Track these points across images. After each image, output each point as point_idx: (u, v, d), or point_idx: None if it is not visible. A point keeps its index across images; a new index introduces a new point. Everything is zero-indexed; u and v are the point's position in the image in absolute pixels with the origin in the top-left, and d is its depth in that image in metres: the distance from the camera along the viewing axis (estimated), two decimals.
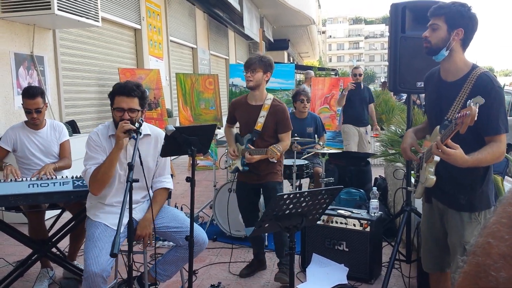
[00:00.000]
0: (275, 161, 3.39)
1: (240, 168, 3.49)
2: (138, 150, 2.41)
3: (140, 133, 2.53)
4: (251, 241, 3.78)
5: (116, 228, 2.61)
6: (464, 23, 2.20)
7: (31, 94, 3.43)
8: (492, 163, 2.19)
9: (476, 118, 1.89)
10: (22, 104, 3.49)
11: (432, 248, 2.52)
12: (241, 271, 3.68)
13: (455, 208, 2.28)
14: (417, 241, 3.33)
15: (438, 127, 2.25)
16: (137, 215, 2.73)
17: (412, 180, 2.78)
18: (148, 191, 2.65)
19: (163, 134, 2.70)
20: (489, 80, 2.15)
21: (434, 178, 2.25)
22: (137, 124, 2.58)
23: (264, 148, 3.30)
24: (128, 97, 2.62)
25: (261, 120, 3.35)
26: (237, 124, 3.68)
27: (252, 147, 3.37)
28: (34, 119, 3.47)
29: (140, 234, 2.68)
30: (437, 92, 2.36)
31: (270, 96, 3.45)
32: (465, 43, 2.25)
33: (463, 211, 2.25)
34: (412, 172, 2.84)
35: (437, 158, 2.22)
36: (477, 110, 1.88)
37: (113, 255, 2.01)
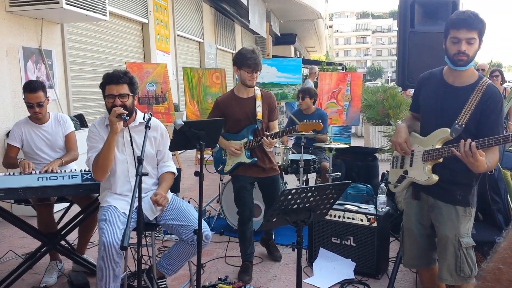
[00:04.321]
0: (271, 150, 3.52)
1: (248, 161, 3.42)
2: (144, 141, 2.49)
3: (149, 127, 2.59)
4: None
5: (124, 211, 2.68)
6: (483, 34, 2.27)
7: (32, 88, 3.41)
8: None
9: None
10: (23, 99, 3.48)
11: (422, 245, 2.57)
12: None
13: (451, 202, 2.36)
14: None
15: (444, 129, 2.32)
16: (146, 205, 2.76)
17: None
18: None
19: (160, 123, 3.00)
20: (497, 91, 2.27)
21: (437, 177, 2.36)
22: (146, 118, 2.64)
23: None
24: (117, 84, 2.77)
25: (259, 110, 3.42)
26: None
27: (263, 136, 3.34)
28: (36, 113, 3.46)
29: (157, 199, 2.70)
30: (440, 94, 2.39)
31: (256, 87, 3.53)
32: None
33: (458, 205, 2.36)
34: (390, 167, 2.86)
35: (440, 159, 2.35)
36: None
37: (123, 248, 2.02)
